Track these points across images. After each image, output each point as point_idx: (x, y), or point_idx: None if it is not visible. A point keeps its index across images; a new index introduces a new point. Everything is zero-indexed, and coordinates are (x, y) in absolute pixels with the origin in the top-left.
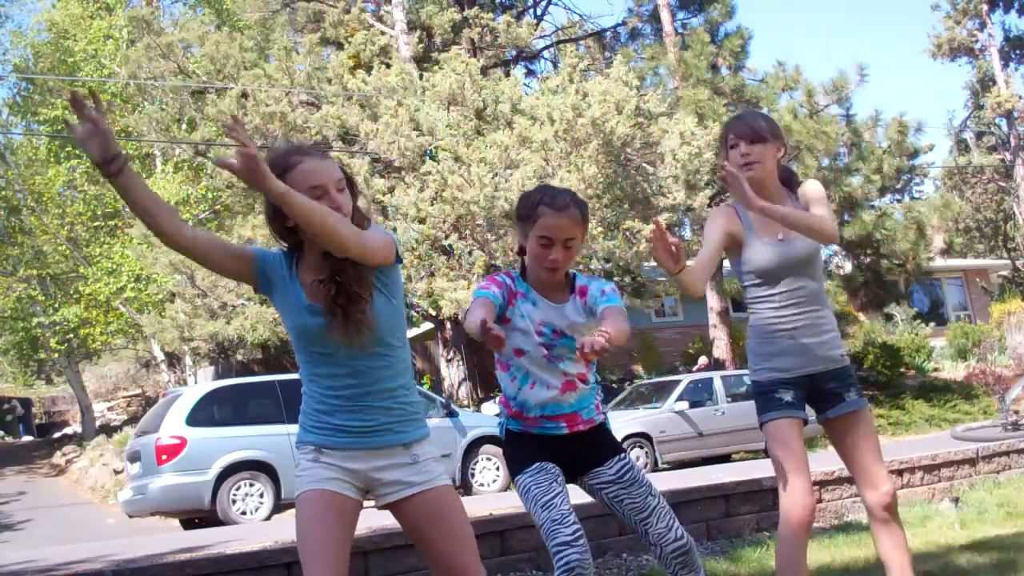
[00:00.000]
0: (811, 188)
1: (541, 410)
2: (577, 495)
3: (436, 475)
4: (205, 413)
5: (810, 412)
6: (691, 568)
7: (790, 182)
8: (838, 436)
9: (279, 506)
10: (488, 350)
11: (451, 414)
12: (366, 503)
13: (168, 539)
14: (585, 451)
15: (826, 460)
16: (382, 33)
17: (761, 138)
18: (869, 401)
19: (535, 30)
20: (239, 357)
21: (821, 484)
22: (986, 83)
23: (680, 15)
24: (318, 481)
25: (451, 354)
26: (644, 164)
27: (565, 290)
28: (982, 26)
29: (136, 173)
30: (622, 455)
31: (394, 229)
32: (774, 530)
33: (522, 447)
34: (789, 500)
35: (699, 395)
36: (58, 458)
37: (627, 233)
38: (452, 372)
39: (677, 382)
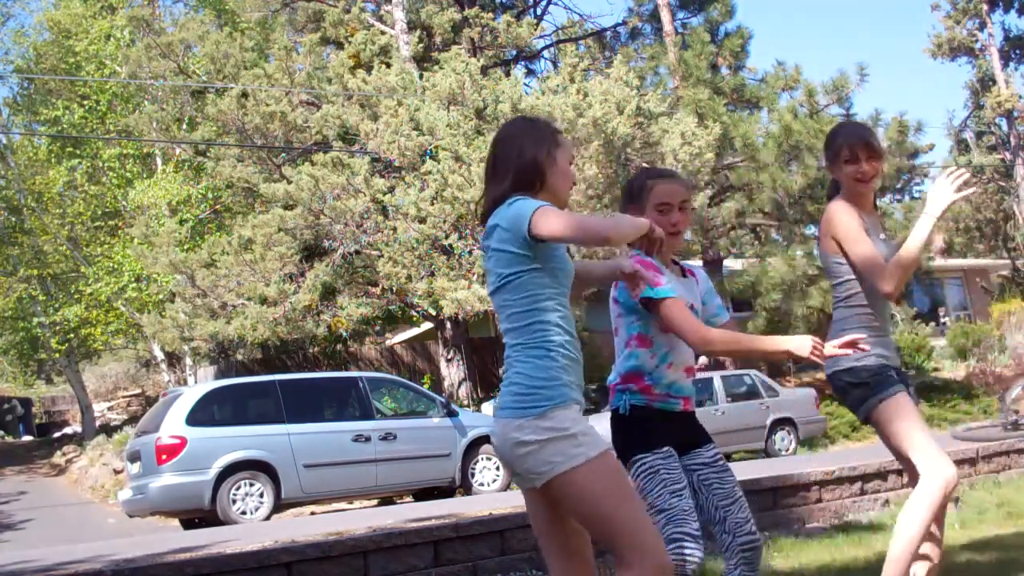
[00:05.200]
0: None
1: (668, 388)
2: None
3: None
4: (205, 413)
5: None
6: (752, 565)
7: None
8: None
9: (279, 506)
10: (488, 351)
11: (451, 414)
12: (357, 504)
13: (168, 539)
14: (689, 431)
15: (826, 460)
16: (382, 33)
17: (880, 155)
18: None
19: (535, 30)
20: (239, 357)
21: (821, 484)
22: (986, 83)
23: (680, 15)
24: (605, 445)
25: (451, 354)
26: (644, 164)
27: (677, 269)
28: (982, 26)
29: None
30: (714, 444)
31: (394, 229)
32: (773, 529)
33: (649, 424)
34: (939, 469)
35: (699, 395)
36: (58, 458)
37: None
38: (452, 372)
39: None
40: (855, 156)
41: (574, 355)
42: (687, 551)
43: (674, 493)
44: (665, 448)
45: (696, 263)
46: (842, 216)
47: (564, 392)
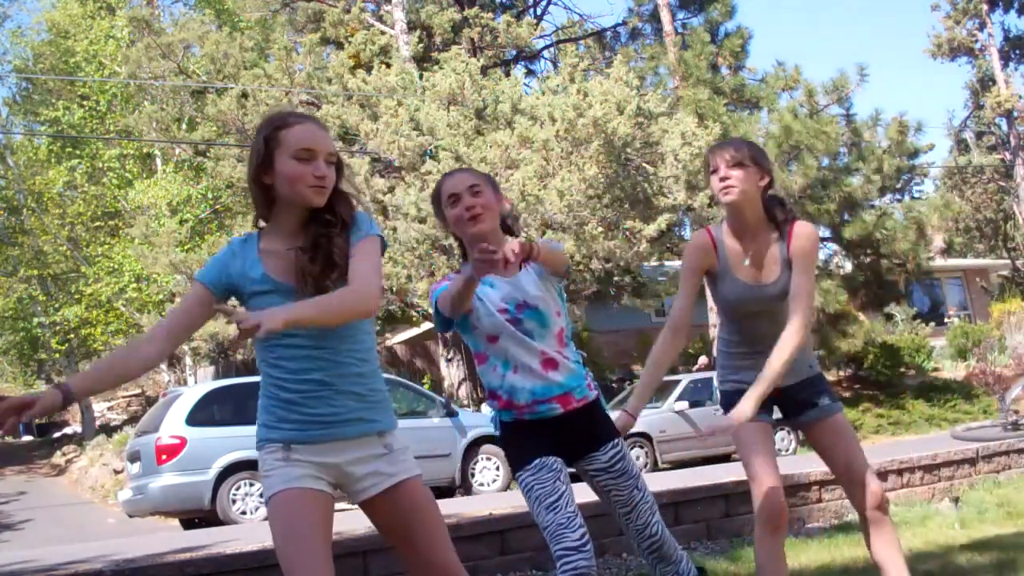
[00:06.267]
0: (803, 241)
1: (532, 395)
2: (581, 493)
3: (410, 464)
4: (205, 413)
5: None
6: (666, 560)
7: (777, 216)
8: (818, 442)
9: None
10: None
11: (451, 414)
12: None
13: (168, 539)
14: (582, 432)
15: None
16: (382, 33)
17: (740, 163)
18: (868, 401)
19: (535, 30)
20: (239, 357)
21: (821, 484)
22: (986, 83)
23: (680, 15)
24: (291, 480)
25: (451, 354)
26: (644, 164)
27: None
28: (982, 26)
29: (82, 374)
30: (616, 441)
31: (394, 229)
32: None
33: (519, 440)
34: (758, 503)
35: (699, 395)
36: (58, 458)
37: (627, 233)
38: (452, 372)
39: (677, 382)
40: (715, 165)
41: (283, 395)
42: (572, 563)
43: (549, 508)
44: (535, 461)
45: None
46: (685, 254)
47: (262, 433)
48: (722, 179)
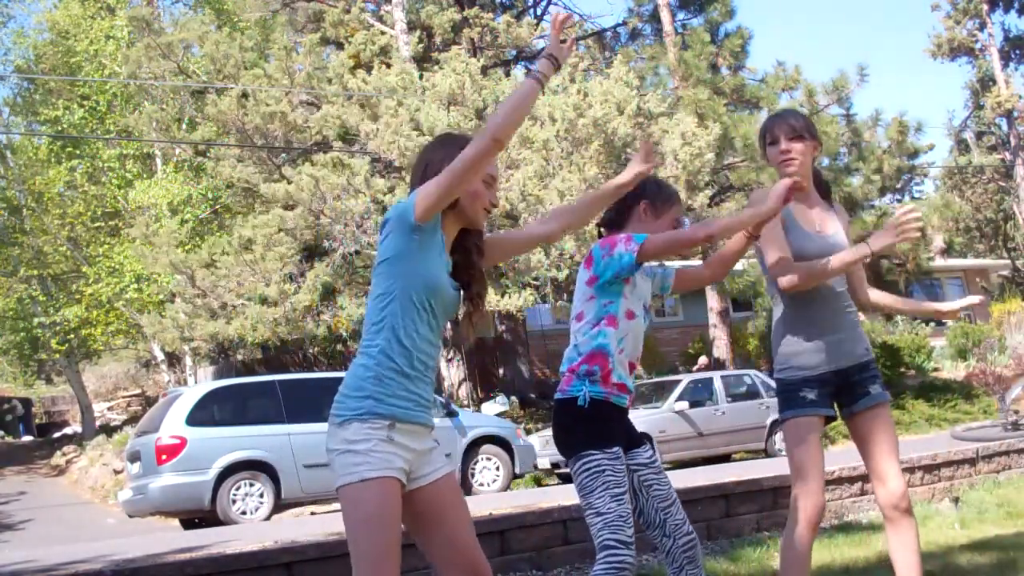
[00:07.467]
0: (846, 218)
1: (620, 378)
2: (568, 494)
3: (447, 460)
4: (205, 413)
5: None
6: (696, 562)
7: (823, 187)
8: (859, 429)
9: (279, 506)
10: (488, 352)
11: (451, 414)
12: None
13: (168, 539)
14: (631, 430)
15: (827, 460)
16: (382, 33)
17: (800, 136)
18: None
19: (535, 30)
20: (239, 357)
21: None
22: (986, 83)
23: (680, 15)
24: (393, 469)
25: (451, 354)
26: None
27: None
28: (982, 26)
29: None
30: (650, 444)
31: None
32: (774, 530)
33: (605, 420)
34: (801, 498)
35: (699, 395)
36: (58, 458)
37: None
38: (452, 372)
39: (677, 382)
40: (775, 137)
41: (408, 370)
42: (619, 557)
43: (615, 497)
44: (615, 448)
45: (696, 263)
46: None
47: (368, 405)
48: (783, 151)
